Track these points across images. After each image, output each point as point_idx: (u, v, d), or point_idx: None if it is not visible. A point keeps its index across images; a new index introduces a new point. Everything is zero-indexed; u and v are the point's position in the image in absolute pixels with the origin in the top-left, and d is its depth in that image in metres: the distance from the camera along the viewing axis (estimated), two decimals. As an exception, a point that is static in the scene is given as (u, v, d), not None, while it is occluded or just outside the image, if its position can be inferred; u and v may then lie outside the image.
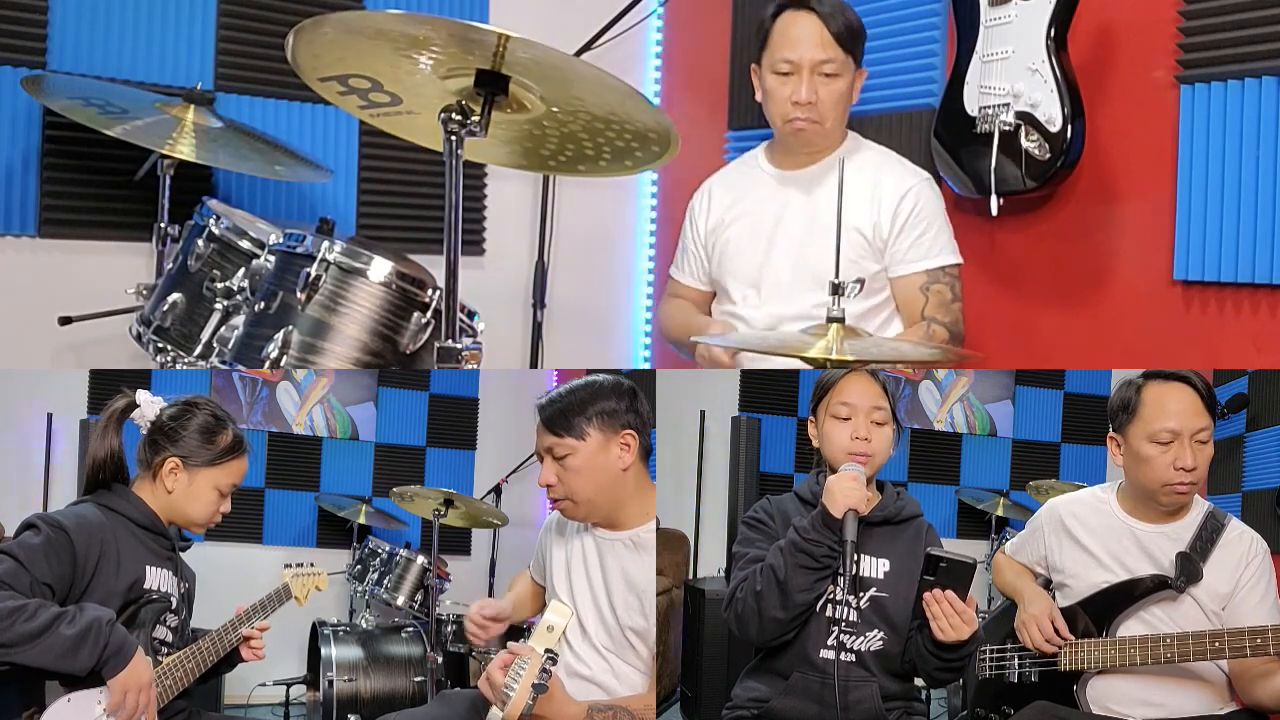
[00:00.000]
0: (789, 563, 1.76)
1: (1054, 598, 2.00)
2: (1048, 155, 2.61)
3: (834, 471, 1.87)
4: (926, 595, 1.68)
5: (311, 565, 2.21)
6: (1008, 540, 2.24)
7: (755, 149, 2.95)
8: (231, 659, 1.96)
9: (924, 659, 1.75)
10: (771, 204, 2.80)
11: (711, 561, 3.55)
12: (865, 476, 1.81)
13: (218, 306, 2.44)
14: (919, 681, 1.91)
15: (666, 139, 2.07)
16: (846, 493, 1.76)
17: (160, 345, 2.48)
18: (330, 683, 3.00)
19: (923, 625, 1.71)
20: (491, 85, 1.93)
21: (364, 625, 3.18)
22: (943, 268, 2.69)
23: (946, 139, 2.82)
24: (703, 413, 3.67)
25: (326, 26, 1.88)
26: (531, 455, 2.22)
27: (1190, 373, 1.92)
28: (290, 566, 2.18)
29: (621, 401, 1.84)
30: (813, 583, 1.77)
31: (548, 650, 1.73)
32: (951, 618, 1.67)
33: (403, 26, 1.86)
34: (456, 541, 3.85)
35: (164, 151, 2.62)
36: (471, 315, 2.36)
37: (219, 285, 2.43)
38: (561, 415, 1.82)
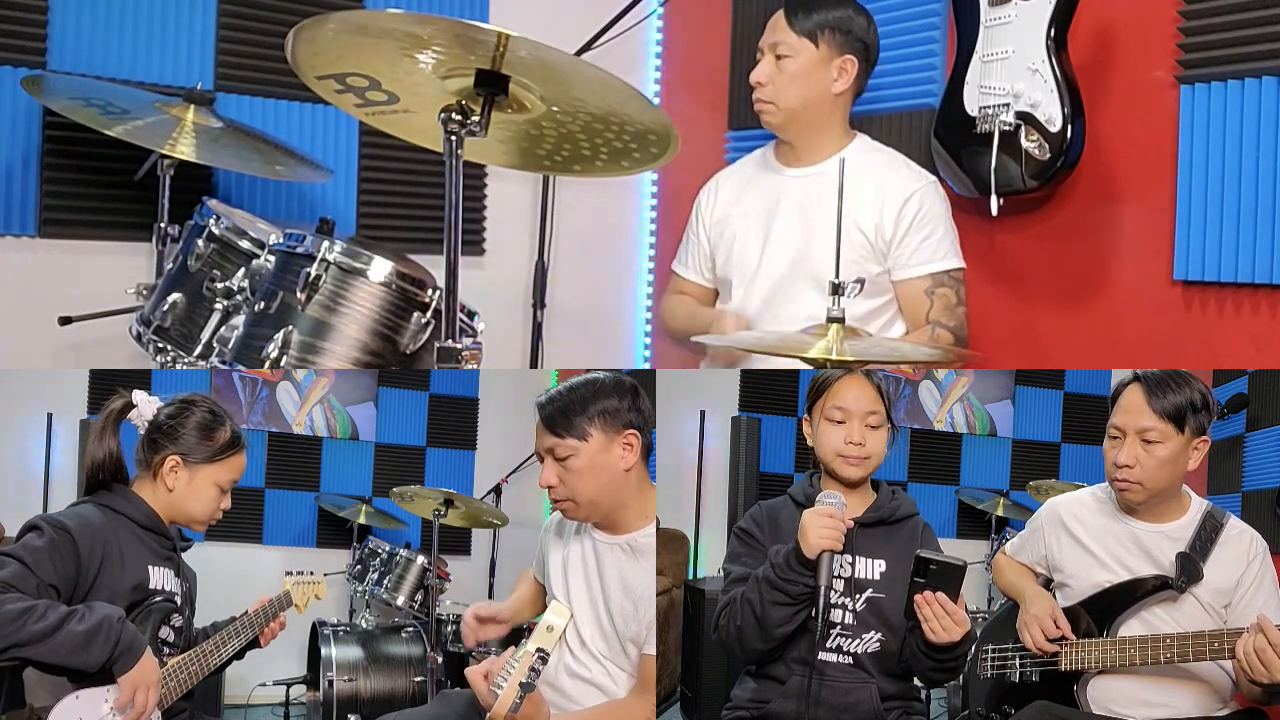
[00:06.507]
0: (765, 599, 1.75)
1: (1055, 597, 2.00)
2: (1048, 155, 2.60)
3: (828, 472, 1.87)
4: (917, 597, 1.68)
5: (312, 573, 2.21)
6: (1008, 540, 2.24)
7: (765, 146, 2.95)
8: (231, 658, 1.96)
9: (917, 659, 1.74)
10: (775, 201, 2.80)
11: (711, 561, 3.55)
12: (844, 509, 1.75)
13: (218, 306, 2.43)
14: (917, 681, 1.91)
15: (666, 139, 2.07)
16: (821, 535, 1.71)
17: (160, 345, 2.48)
18: (330, 683, 3.00)
19: (915, 627, 1.70)
20: (491, 85, 1.93)
21: (364, 625, 3.18)
22: (947, 271, 2.69)
23: (946, 139, 2.82)
24: (703, 413, 3.67)
25: (327, 26, 1.88)
26: (532, 455, 2.21)
27: (1152, 372, 1.90)
28: (292, 574, 2.18)
29: (624, 400, 1.80)
30: (791, 616, 1.76)
31: (539, 649, 1.71)
32: (943, 619, 1.66)
33: (403, 26, 1.86)
34: (456, 541, 3.85)
35: (164, 151, 2.62)
36: (471, 315, 2.36)
37: (219, 285, 2.43)
38: (562, 415, 1.78)
